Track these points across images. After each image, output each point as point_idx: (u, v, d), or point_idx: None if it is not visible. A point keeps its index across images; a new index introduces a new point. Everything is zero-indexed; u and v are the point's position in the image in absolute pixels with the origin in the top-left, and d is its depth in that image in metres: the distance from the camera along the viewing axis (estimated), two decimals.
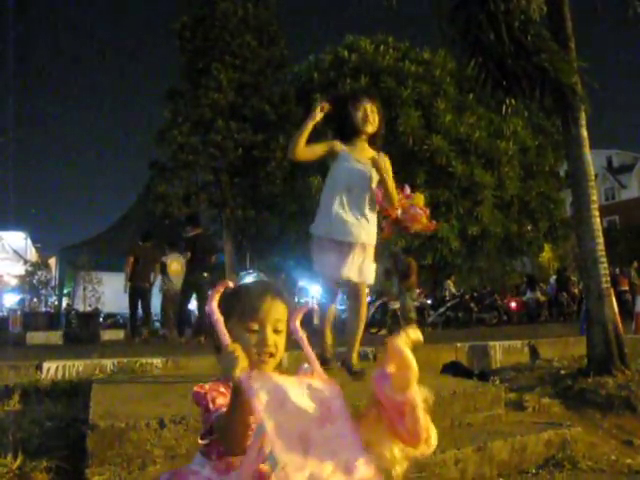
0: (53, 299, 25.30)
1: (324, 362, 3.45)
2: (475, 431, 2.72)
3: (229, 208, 14.12)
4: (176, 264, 9.68)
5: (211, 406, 1.36)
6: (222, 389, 1.40)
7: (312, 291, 18.36)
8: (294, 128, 15.23)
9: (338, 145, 3.63)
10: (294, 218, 15.59)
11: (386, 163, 3.62)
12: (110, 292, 19.92)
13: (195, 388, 1.42)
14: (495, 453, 2.43)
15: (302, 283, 18.33)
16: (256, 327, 1.43)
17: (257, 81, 14.74)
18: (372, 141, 3.71)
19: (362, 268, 3.51)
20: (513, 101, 4.48)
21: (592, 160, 4.67)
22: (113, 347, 7.52)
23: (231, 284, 1.51)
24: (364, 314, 3.64)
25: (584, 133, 4.58)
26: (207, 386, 1.42)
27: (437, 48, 17.37)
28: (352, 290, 3.60)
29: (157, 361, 4.29)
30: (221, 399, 1.37)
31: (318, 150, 3.63)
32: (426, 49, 17.90)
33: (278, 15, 16.38)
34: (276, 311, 1.46)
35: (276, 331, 1.46)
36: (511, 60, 4.18)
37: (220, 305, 1.44)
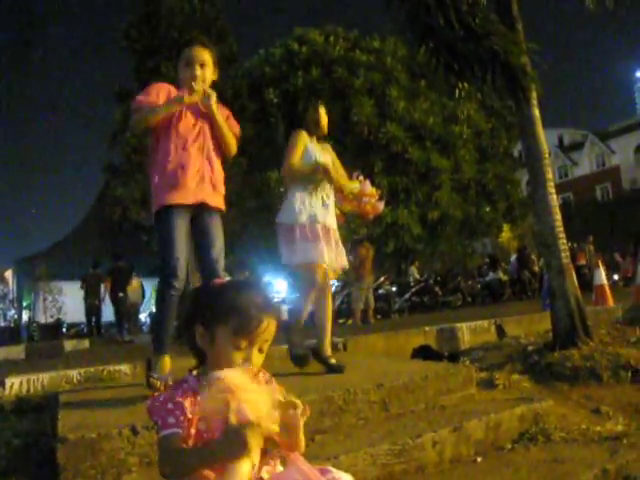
0: (12, 313, 24.65)
1: (300, 360, 3.42)
2: (450, 412, 2.75)
3: None
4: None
5: (161, 423, 1.32)
6: (173, 403, 1.34)
7: (277, 286, 18.31)
8: (248, 123, 15.20)
9: (305, 135, 3.64)
10: (255, 214, 15.52)
11: (333, 152, 3.80)
12: (71, 301, 19.52)
13: (148, 402, 1.36)
14: (471, 432, 2.46)
15: (267, 278, 18.27)
16: (244, 345, 1.38)
17: None
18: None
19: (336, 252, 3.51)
20: (465, 85, 4.52)
21: (545, 139, 4.77)
22: (78, 357, 7.35)
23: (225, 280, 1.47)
24: (330, 301, 3.61)
25: (536, 112, 4.66)
26: (162, 398, 1.36)
27: (387, 36, 17.48)
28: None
29: (125, 367, 4.21)
30: (172, 418, 1.32)
31: (300, 153, 3.59)
32: (376, 38, 17.98)
33: (225, 10, 16.22)
34: (269, 333, 1.42)
35: (260, 351, 1.42)
36: (461, 44, 4.21)
37: (208, 303, 1.41)
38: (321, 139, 3.77)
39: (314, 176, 3.52)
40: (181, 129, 2.91)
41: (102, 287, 13.06)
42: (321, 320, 3.55)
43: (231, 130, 3.08)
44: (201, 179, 2.89)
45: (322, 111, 3.73)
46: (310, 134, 3.67)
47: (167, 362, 2.81)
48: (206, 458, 1.28)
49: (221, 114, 3.03)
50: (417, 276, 16.07)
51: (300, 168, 3.54)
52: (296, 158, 3.54)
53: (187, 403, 1.34)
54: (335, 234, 3.56)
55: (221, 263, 2.91)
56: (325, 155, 3.67)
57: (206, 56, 3.07)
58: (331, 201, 3.61)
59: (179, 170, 2.84)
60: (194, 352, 1.45)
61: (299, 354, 3.51)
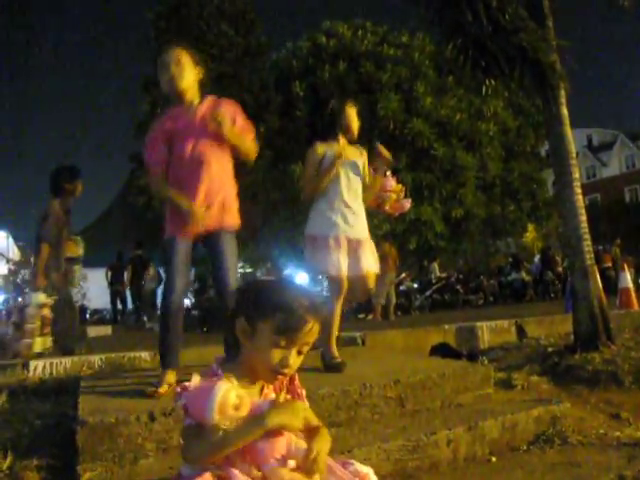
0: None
1: (333, 368, 3.27)
2: (466, 411, 2.74)
3: None
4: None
5: (190, 412, 1.35)
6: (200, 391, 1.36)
7: (298, 279, 18.39)
8: (274, 116, 15.23)
9: (320, 150, 3.52)
10: (277, 207, 15.56)
11: (365, 156, 3.64)
12: (95, 288, 19.79)
13: (177, 388, 1.39)
14: (486, 432, 2.45)
15: (287, 272, 18.33)
16: (283, 344, 1.38)
17: (235, 70, 14.64)
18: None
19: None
20: (493, 81, 4.47)
21: (573, 138, 4.70)
22: (101, 343, 7.47)
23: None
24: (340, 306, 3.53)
25: (564, 111, 4.59)
26: (191, 386, 1.37)
27: (415, 31, 17.35)
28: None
29: (145, 354, 4.27)
30: (199, 406, 1.33)
31: (313, 172, 3.52)
32: (404, 32, 17.85)
33: (254, 2, 16.25)
34: (310, 335, 1.41)
35: (299, 353, 1.43)
36: (490, 40, 4.17)
37: (255, 297, 1.41)
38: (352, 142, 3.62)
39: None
40: (185, 158, 2.92)
41: (125, 275, 14.13)
42: (327, 321, 3.52)
43: (247, 139, 3.04)
44: (208, 207, 2.89)
45: (352, 114, 3.58)
46: (335, 139, 3.55)
47: (170, 377, 2.79)
48: (230, 440, 1.31)
49: (235, 126, 2.97)
50: (438, 273, 15.98)
51: (314, 185, 3.48)
52: (308, 182, 3.53)
53: None
54: (363, 244, 3.48)
55: (232, 276, 2.92)
56: (350, 160, 3.52)
57: (181, 55, 3.00)
58: (357, 211, 3.51)
59: (183, 218, 2.87)
60: (231, 343, 1.46)
61: (332, 363, 3.32)
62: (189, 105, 3.01)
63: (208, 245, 2.97)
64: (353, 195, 3.49)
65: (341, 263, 3.36)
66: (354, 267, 3.42)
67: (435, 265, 16.35)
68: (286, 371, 1.41)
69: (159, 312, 3.07)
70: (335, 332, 3.47)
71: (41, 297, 5.00)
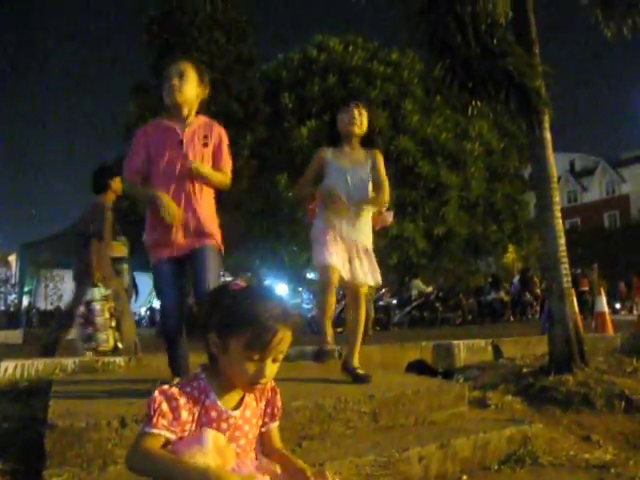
0: (13, 297, 24.72)
1: (321, 356, 3.31)
2: (439, 428, 2.75)
3: None
4: None
5: (154, 420, 1.32)
6: (177, 404, 1.35)
7: (278, 290, 18.34)
8: (261, 126, 15.25)
9: (323, 154, 3.57)
10: (260, 216, 15.55)
11: (379, 157, 3.59)
12: (72, 290, 19.57)
13: (155, 391, 1.36)
14: (458, 450, 2.46)
15: (268, 282, 18.28)
16: (257, 357, 1.37)
17: (225, 78, 14.64)
18: (366, 143, 3.65)
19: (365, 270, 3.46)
20: (479, 103, 4.53)
21: (555, 163, 4.77)
22: (74, 346, 7.36)
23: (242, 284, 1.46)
24: (363, 315, 3.57)
25: (548, 136, 4.67)
26: (169, 392, 1.36)
27: (405, 49, 17.52)
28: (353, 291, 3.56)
29: (120, 360, 4.22)
30: (165, 420, 1.33)
31: (311, 176, 3.59)
32: (395, 50, 18.03)
33: (247, 12, 16.30)
34: (284, 344, 1.40)
35: (275, 361, 1.41)
36: (477, 62, 4.22)
37: (221, 312, 1.39)
38: (361, 143, 3.62)
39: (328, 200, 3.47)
40: (161, 182, 2.91)
41: None
42: (350, 331, 3.55)
43: (223, 172, 3.04)
44: (183, 232, 2.88)
45: (355, 110, 3.56)
46: (346, 139, 3.57)
47: None
48: (173, 476, 1.28)
49: (204, 164, 2.95)
50: (423, 289, 15.96)
51: (306, 192, 3.58)
52: (302, 183, 3.62)
53: (186, 411, 1.35)
54: (364, 252, 3.49)
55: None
56: (359, 175, 3.51)
57: (187, 68, 2.99)
58: (360, 216, 3.51)
59: (160, 230, 2.89)
60: (208, 356, 1.44)
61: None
62: (182, 119, 2.98)
63: (190, 261, 2.93)
64: (355, 201, 3.48)
65: (332, 255, 3.33)
66: (347, 271, 3.40)
67: (417, 281, 16.37)
68: (263, 381, 1.41)
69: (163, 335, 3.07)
70: (358, 342, 3.51)
71: (102, 290, 4.95)
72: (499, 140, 18.33)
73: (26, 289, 25.73)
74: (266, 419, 1.53)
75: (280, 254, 16.14)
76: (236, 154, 13.99)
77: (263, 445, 1.53)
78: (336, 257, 3.35)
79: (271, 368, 1.40)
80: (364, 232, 3.53)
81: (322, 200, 3.51)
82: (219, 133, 3.06)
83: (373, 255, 3.55)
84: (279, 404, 1.55)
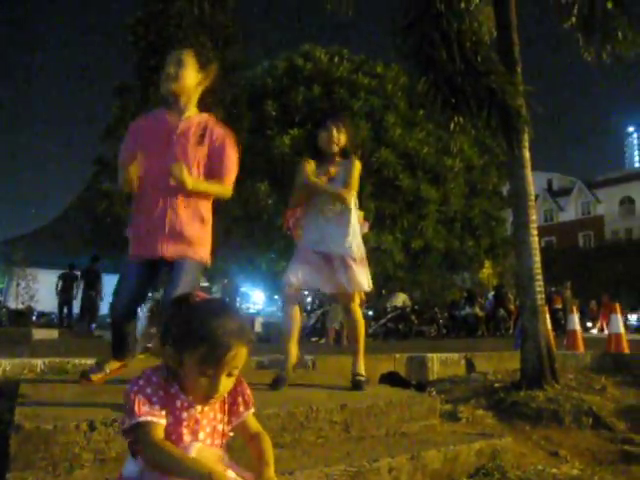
0: None
1: (277, 382, 3.28)
2: (409, 440, 2.76)
3: None
4: None
5: (136, 411, 1.35)
6: (151, 390, 1.38)
7: (254, 297, 18.25)
8: (244, 132, 15.20)
9: (308, 166, 3.62)
10: (238, 223, 15.49)
11: (354, 163, 3.63)
12: (45, 290, 19.26)
13: (127, 387, 1.39)
14: (428, 462, 2.47)
15: (244, 289, 18.20)
16: (211, 372, 1.37)
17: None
18: (345, 154, 3.69)
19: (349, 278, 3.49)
20: (461, 119, 4.59)
21: (533, 181, 4.84)
22: (45, 347, 7.25)
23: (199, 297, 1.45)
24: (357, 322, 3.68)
25: (526, 154, 4.74)
26: (141, 382, 1.39)
27: (390, 63, 17.67)
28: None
29: (90, 362, 4.16)
30: (147, 406, 1.36)
31: (300, 183, 3.63)
32: (380, 63, 18.16)
33: (235, 18, 16.30)
34: (238, 360, 1.39)
35: (229, 375, 1.41)
36: (461, 79, 4.28)
37: (176, 327, 1.40)
38: (341, 156, 3.67)
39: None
40: (147, 182, 2.81)
41: (75, 286, 15.07)
42: (351, 339, 3.77)
43: (220, 182, 2.87)
44: (158, 232, 2.78)
45: (333, 128, 3.62)
46: (326, 155, 3.65)
47: (112, 365, 2.83)
48: (178, 471, 1.29)
49: (200, 179, 2.81)
50: (408, 303, 15.94)
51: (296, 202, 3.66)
52: (295, 193, 3.66)
53: (157, 397, 1.39)
54: (343, 260, 3.48)
55: None
56: (333, 181, 3.57)
57: (184, 55, 2.88)
58: (339, 226, 3.55)
59: (137, 225, 2.85)
60: (165, 366, 1.44)
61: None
62: (179, 111, 2.85)
63: (168, 270, 2.85)
64: (332, 212, 3.55)
65: (298, 272, 3.44)
66: (326, 283, 3.51)
67: (402, 295, 16.23)
68: (216, 396, 1.42)
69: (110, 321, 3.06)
70: (361, 348, 3.60)
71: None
72: (479, 157, 18.53)
73: None
74: (240, 408, 1.53)
75: (258, 261, 16.10)
76: None
77: (243, 434, 1.55)
78: (302, 273, 3.44)
79: (225, 383, 1.41)
80: (341, 240, 3.53)
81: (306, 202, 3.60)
82: (222, 135, 2.91)
83: (363, 261, 3.59)
84: (248, 391, 1.56)
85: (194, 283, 2.80)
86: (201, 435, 1.45)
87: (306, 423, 2.60)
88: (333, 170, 3.58)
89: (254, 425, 1.57)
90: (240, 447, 1.63)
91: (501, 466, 2.66)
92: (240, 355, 1.39)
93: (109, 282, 13.23)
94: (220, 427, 1.51)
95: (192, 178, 2.72)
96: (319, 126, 3.71)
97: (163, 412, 1.38)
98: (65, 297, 15.38)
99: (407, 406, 2.98)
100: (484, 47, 4.46)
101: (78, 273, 15.16)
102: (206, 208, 2.89)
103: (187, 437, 1.42)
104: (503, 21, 4.91)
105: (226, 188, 2.89)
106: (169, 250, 2.77)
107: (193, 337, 1.35)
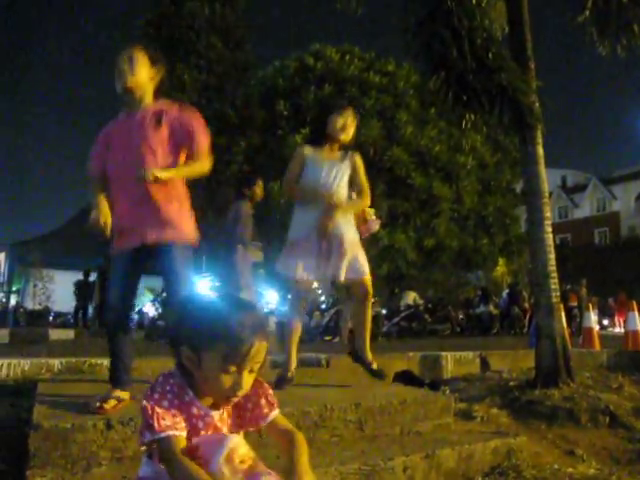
0: (1, 296, 24.50)
1: (281, 382, 3.28)
2: (424, 439, 2.75)
3: None
4: None
5: (156, 426, 1.31)
6: (168, 402, 1.35)
7: (268, 296, 18.27)
8: (256, 132, 15.26)
9: (302, 151, 3.62)
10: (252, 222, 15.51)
11: (357, 160, 3.64)
12: (61, 290, 19.46)
13: (144, 401, 1.34)
14: (443, 461, 2.46)
15: (257, 288, 18.22)
16: (234, 369, 1.34)
17: (221, 83, 14.66)
18: (345, 148, 3.70)
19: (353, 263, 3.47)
20: (473, 116, 4.56)
21: (547, 178, 4.80)
22: (62, 347, 7.33)
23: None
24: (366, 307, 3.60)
25: (540, 151, 4.70)
26: (156, 395, 1.35)
27: (402, 61, 17.63)
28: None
29: (106, 362, 4.19)
30: (167, 420, 1.32)
31: (295, 173, 3.59)
32: (391, 61, 18.12)
33: (245, 18, 16.35)
34: (260, 355, 1.37)
35: (251, 372, 1.39)
36: (472, 76, 4.26)
37: (193, 326, 1.36)
38: (342, 148, 3.66)
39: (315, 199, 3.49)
40: (117, 164, 2.85)
41: (89, 293, 15.45)
42: (356, 328, 3.72)
43: (195, 157, 2.87)
44: (137, 220, 2.79)
45: (350, 116, 3.65)
46: (330, 141, 3.60)
47: (118, 392, 2.66)
48: None
49: (166, 170, 2.79)
50: (419, 301, 15.92)
51: (296, 191, 3.61)
52: (290, 179, 3.59)
53: (175, 408, 1.35)
54: (346, 245, 3.44)
55: (183, 291, 2.78)
56: (333, 170, 3.55)
57: (135, 53, 2.88)
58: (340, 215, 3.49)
59: (116, 216, 2.84)
60: (181, 370, 1.41)
61: (280, 376, 3.38)
62: (135, 106, 2.88)
63: (157, 259, 2.83)
64: (330, 193, 3.49)
65: (303, 267, 3.39)
66: (330, 270, 3.43)
67: (413, 294, 16.24)
68: (240, 394, 1.38)
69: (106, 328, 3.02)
70: (367, 333, 3.61)
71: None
72: (492, 154, 18.43)
73: (14, 288, 25.53)
74: (265, 410, 1.49)
75: (271, 261, 16.03)
76: (229, 160, 14.03)
77: (274, 435, 1.52)
78: (307, 266, 3.40)
79: (248, 380, 1.38)
80: (346, 226, 3.51)
81: (301, 198, 3.58)
82: (181, 114, 2.90)
83: (359, 247, 3.55)
84: (270, 392, 1.52)
85: (188, 266, 2.84)
86: None
87: (320, 422, 2.61)
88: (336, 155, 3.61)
89: (284, 424, 1.53)
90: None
91: (516, 465, 2.64)
92: (261, 350, 1.36)
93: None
94: (234, 430, 1.48)
95: (163, 170, 2.74)
96: (331, 111, 3.67)
97: (183, 423, 1.35)
98: (81, 303, 16.02)
99: (421, 405, 2.98)
100: (495, 44, 4.43)
101: (93, 279, 15.57)
102: (180, 187, 2.90)
103: None
104: (515, 17, 4.87)
105: (202, 163, 2.90)
106: (152, 236, 2.78)
107: (212, 336, 1.32)
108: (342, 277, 3.43)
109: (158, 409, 1.32)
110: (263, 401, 1.50)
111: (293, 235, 3.54)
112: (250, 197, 5.69)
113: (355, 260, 3.47)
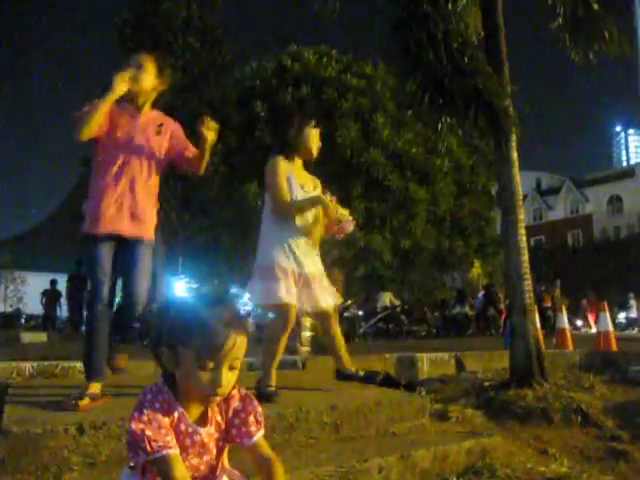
0: None
1: (265, 397, 3.03)
2: (399, 440, 2.76)
3: (163, 210, 13.86)
4: None
5: (149, 449, 1.28)
6: (158, 422, 1.31)
7: (245, 298, 18.22)
8: (233, 134, 15.19)
9: (284, 165, 3.40)
10: (229, 224, 15.45)
11: (319, 188, 3.57)
12: (33, 293, 19.14)
13: (132, 424, 1.31)
14: (418, 461, 2.47)
15: (235, 290, 18.16)
16: (212, 365, 1.31)
17: (198, 84, 14.57)
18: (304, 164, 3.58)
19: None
20: (448, 119, 4.61)
21: (522, 181, 4.87)
22: (33, 350, 7.20)
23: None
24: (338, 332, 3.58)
25: (514, 154, 4.76)
26: (145, 417, 1.31)
27: (379, 63, 17.69)
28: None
29: (80, 365, 4.13)
30: (160, 440, 1.29)
31: (286, 187, 3.37)
32: (368, 63, 18.16)
33: (223, 19, 16.28)
34: (238, 349, 1.33)
35: (232, 368, 1.35)
36: (448, 80, 4.30)
37: (169, 325, 1.34)
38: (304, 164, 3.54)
39: (314, 207, 3.41)
40: (106, 158, 2.93)
41: (57, 304, 15.95)
42: (331, 349, 3.60)
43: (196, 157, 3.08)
44: (118, 210, 2.86)
45: (313, 135, 3.48)
46: (293, 159, 3.45)
47: (94, 388, 2.70)
48: None
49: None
50: (396, 302, 16.01)
51: (294, 204, 3.36)
52: (286, 194, 3.34)
53: (165, 428, 1.32)
54: (315, 278, 3.37)
55: (142, 287, 2.86)
56: (309, 183, 3.48)
57: (145, 60, 3.05)
58: (309, 242, 3.43)
59: (97, 201, 2.87)
60: (165, 377, 1.39)
61: (265, 392, 3.15)
62: (137, 109, 3.03)
63: (122, 253, 2.88)
64: (306, 226, 3.41)
65: (288, 292, 3.22)
66: (307, 301, 3.33)
67: (390, 295, 16.31)
68: (220, 391, 1.34)
69: (85, 321, 3.01)
70: (343, 349, 3.58)
71: None
72: (468, 157, 18.58)
73: None
74: (252, 428, 1.45)
75: (249, 263, 15.98)
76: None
77: (253, 458, 1.46)
78: (292, 292, 3.25)
79: (228, 377, 1.34)
80: (313, 257, 3.46)
81: (298, 212, 3.38)
82: (175, 125, 3.13)
83: (323, 277, 3.49)
84: (259, 410, 1.48)
85: (150, 263, 2.94)
86: (206, 457, 1.41)
87: (296, 424, 2.61)
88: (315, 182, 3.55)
89: (266, 450, 1.47)
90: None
91: (490, 465, 2.67)
92: (240, 345, 1.33)
93: None
94: (221, 444, 1.45)
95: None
96: (306, 123, 3.48)
97: (173, 440, 1.32)
98: (48, 312, 16.23)
99: (397, 406, 2.99)
100: (471, 48, 4.48)
101: (61, 289, 15.68)
102: (156, 189, 3.07)
103: (194, 460, 1.39)
104: (490, 22, 4.94)
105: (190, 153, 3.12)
106: (128, 229, 2.89)
107: (185, 332, 1.30)
108: (322, 305, 3.39)
109: (148, 431, 1.29)
110: (252, 419, 1.46)
111: (263, 261, 3.36)
112: None
113: (324, 290, 3.43)
